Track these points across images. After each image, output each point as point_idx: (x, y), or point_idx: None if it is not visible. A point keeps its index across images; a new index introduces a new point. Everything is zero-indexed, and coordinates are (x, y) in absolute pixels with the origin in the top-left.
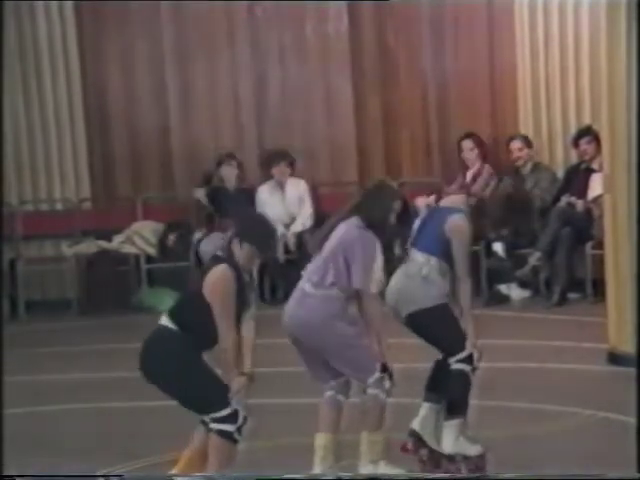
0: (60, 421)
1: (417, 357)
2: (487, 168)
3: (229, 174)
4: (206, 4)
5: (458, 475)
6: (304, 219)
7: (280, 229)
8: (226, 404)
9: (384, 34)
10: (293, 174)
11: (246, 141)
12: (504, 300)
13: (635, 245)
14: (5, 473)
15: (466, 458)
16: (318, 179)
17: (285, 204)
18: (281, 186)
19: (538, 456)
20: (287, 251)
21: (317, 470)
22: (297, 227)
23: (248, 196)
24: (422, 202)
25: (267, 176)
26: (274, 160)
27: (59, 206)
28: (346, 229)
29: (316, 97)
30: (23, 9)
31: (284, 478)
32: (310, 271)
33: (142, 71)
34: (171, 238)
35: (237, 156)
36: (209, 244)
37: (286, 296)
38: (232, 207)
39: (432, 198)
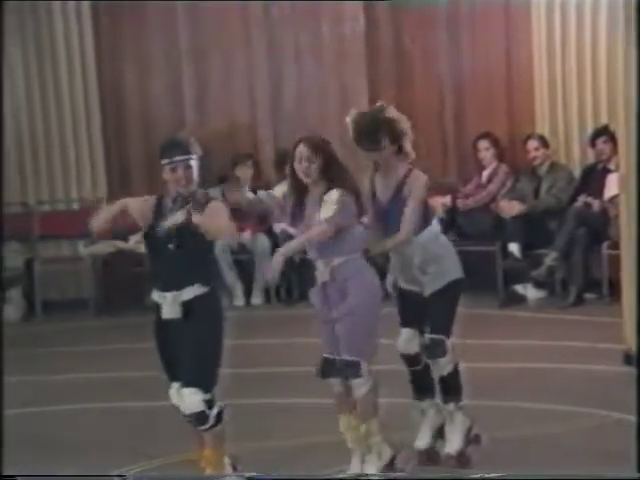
0: (76, 421)
1: None
2: (503, 168)
3: (245, 174)
4: (222, 4)
5: (458, 475)
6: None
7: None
8: None
9: (400, 34)
10: None
11: (262, 141)
12: (520, 300)
13: (635, 245)
14: (5, 473)
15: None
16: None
17: None
18: None
19: (552, 456)
20: (302, 251)
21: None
22: None
23: None
24: (437, 202)
25: (282, 176)
26: (289, 159)
27: (76, 206)
28: None
29: (332, 97)
30: (41, 8)
31: (282, 478)
32: None
33: (158, 70)
34: None
35: (253, 156)
36: (224, 244)
37: (301, 296)
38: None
39: (448, 198)
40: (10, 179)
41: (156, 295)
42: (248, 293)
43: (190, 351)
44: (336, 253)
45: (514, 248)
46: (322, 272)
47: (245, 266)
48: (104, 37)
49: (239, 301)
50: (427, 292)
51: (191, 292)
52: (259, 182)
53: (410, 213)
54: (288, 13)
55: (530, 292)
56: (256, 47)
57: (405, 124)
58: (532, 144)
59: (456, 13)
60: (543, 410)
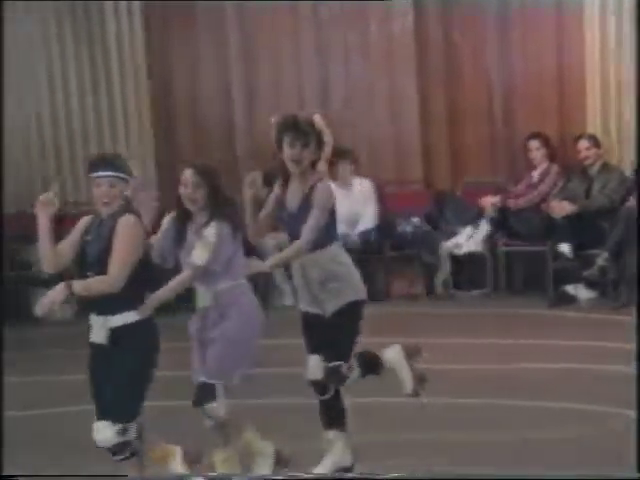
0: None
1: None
2: (555, 168)
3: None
4: (271, 4)
5: (458, 475)
6: (369, 218)
7: (344, 228)
8: None
9: (450, 32)
10: (357, 173)
11: None
12: (571, 301)
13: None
14: (5, 473)
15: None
16: (382, 178)
17: (350, 203)
18: (345, 185)
19: (604, 457)
20: (351, 250)
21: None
22: (362, 226)
23: None
24: (487, 201)
25: (330, 175)
26: (338, 158)
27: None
28: None
29: (380, 96)
30: (93, 8)
31: (278, 479)
32: None
33: (208, 70)
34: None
35: None
36: (272, 241)
37: None
38: None
39: (498, 198)
40: (65, 179)
41: (90, 317)
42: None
43: (113, 382)
44: (219, 279)
45: (565, 248)
46: (203, 297)
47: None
48: (155, 37)
49: (288, 300)
50: (327, 313)
51: (120, 319)
52: None
53: (312, 222)
54: (337, 12)
55: (581, 292)
56: (305, 47)
57: (329, 137)
58: (583, 144)
59: (506, 10)
60: (592, 411)
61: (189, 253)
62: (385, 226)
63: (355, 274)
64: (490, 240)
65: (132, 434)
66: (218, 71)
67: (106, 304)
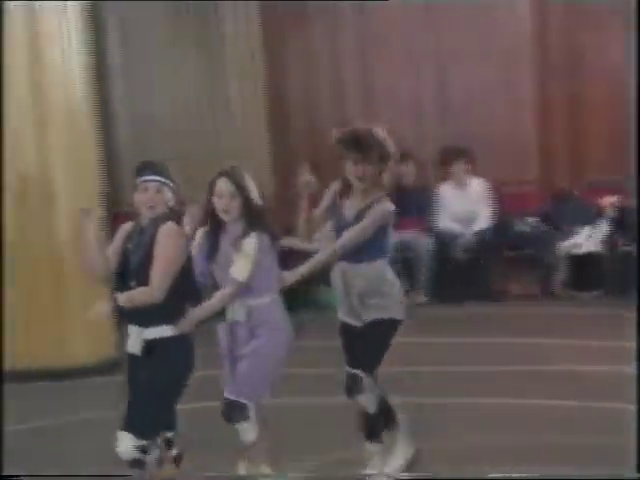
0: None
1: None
2: None
3: (407, 172)
4: (385, 4)
5: (458, 475)
6: (484, 218)
7: (460, 228)
8: None
9: (571, 28)
10: (473, 172)
11: (426, 139)
12: None
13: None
14: (5, 473)
15: None
16: (499, 178)
17: (466, 203)
18: (461, 185)
19: None
20: (467, 250)
21: None
22: (477, 226)
23: (425, 194)
24: (607, 201)
25: (445, 174)
26: (454, 158)
27: None
28: None
29: (498, 94)
30: (209, 9)
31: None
32: None
33: (322, 70)
34: None
35: (415, 154)
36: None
37: (462, 295)
38: (409, 205)
39: (616, 197)
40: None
41: (128, 326)
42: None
43: (136, 393)
44: (254, 294)
45: None
46: (236, 311)
47: (408, 264)
48: (271, 38)
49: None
50: (363, 323)
51: (154, 332)
52: (421, 181)
53: (355, 232)
54: (453, 11)
55: None
56: (421, 46)
57: (392, 148)
58: None
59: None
60: None
61: (224, 265)
62: (501, 226)
63: (398, 293)
64: (609, 240)
65: (152, 454)
66: (333, 70)
67: (143, 315)
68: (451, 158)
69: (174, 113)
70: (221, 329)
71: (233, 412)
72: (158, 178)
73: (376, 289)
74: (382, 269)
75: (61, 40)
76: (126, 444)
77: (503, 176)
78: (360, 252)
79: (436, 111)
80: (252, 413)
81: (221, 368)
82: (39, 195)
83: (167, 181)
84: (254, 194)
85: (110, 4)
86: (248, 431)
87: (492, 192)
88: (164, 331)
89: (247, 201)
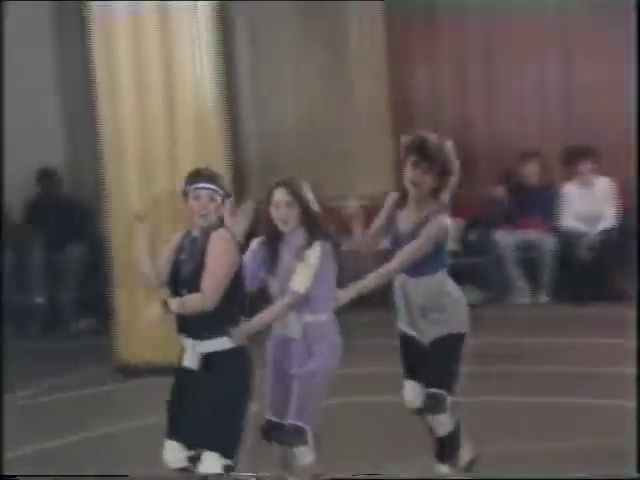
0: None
1: None
2: None
3: (531, 171)
4: (512, 3)
5: (460, 475)
6: (609, 218)
7: (584, 227)
8: None
9: None
10: (598, 172)
11: (551, 138)
12: None
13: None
14: (5, 473)
15: None
16: (623, 178)
17: (591, 202)
18: (586, 184)
19: None
20: (591, 250)
21: None
22: (602, 226)
23: (550, 193)
24: None
25: (570, 173)
26: (579, 158)
27: (365, 201)
28: None
29: (623, 91)
30: (335, 8)
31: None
32: None
33: (447, 71)
34: (472, 234)
35: (540, 152)
36: (508, 240)
37: (585, 295)
38: (533, 204)
39: None
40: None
41: (182, 339)
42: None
43: (211, 412)
44: (312, 309)
45: None
46: (291, 327)
47: (531, 264)
48: (395, 39)
49: (524, 299)
50: (426, 340)
51: (211, 345)
52: (545, 180)
53: (412, 248)
54: (580, 11)
55: None
56: (547, 45)
57: (456, 168)
58: None
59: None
60: None
61: (284, 276)
62: (627, 226)
63: (460, 306)
64: None
65: (232, 475)
66: (457, 72)
67: (198, 327)
68: (577, 158)
69: (300, 112)
70: (271, 343)
71: (293, 437)
72: (211, 186)
73: (436, 303)
74: (442, 282)
75: (191, 39)
76: (213, 464)
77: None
78: (419, 266)
79: (562, 108)
80: (310, 437)
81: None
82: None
83: (219, 189)
84: (313, 203)
85: (239, 4)
86: (306, 455)
87: (618, 192)
88: (221, 344)
89: (306, 210)
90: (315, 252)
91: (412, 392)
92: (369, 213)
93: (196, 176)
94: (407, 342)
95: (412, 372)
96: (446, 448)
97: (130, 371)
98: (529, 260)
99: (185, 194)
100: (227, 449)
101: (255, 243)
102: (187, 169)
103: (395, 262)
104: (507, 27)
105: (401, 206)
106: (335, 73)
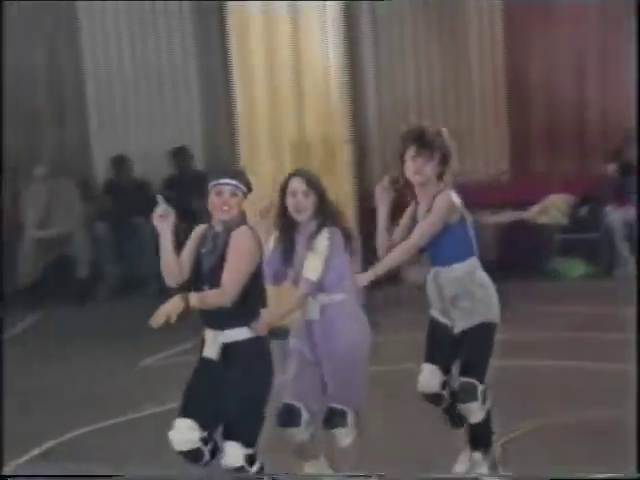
0: None
1: None
2: None
3: (634, 151)
4: None
5: (459, 475)
6: None
7: None
8: None
9: None
10: None
11: None
12: None
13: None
14: (5, 473)
15: None
16: None
17: None
18: None
19: None
20: None
21: None
22: None
23: None
24: None
25: None
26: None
27: (481, 177)
28: None
29: None
30: (453, 2)
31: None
32: None
33: (565, 69)
34: (583, 210)
35: None
36: (619, 217)
37: None
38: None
39: None
40: None
41: (205, 331)
42: None
43: (232, 402)
44: (328, 291)
45: None
46: (311, 310)
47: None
48: (513, 36)
49: (632, 271)
50: (457, 329)
51: (231, 335)
52: None
53: (423, 225)
54: None
55: None
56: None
57: (455, 151)
58: None
59: None
60: None
61: (300, 265)
62: None
63: (491, 295)
64: None
65: (255, 466)
66: (571, 56)
67: (218, 318)
68: None
69: (419, 95)
70: (294, 334)
71: (334, 419)
72: (232, 182)
73: (467, 291)
74: (472, 270)
75: (319, 32)
76: (235, 452)
77: None
78: (447, 253)
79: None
80: (350, 419)
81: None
82: None
83: (241, 185)
84: (327, 193)
85: (363, 3)
86: (346, 437)
87: None
88: (240, 334)
89: (321, 199)
90: (323, 239)
91: (429, 376)
92: (482, 189)
93: (217, 173)
94: (436, 328)
95: (433, 357)
96: (479, 436)
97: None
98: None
99: (208, 190)
100: (248, 438)
101: (271, 241)
102: (315, 151)
103: (410, 242)
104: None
105: (417, 203)
106: (455, 66)
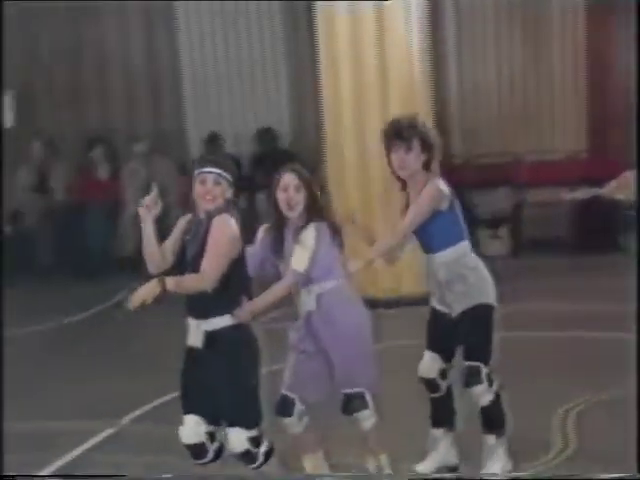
0: (546, 349)
1: None
2: None
3: None
4: None
5: (459, 475)
6: None
7: None
8: None
9: None
10: None
11: None
12: None
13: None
14: (5, 473)
15: None
16: None
17: None
18: None
19: None
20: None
21: None
22: None
23: None
24: None
25: None
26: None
27: (559, 156)
28: None
29: None
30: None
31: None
32: None
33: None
34: None
35: None
36: None
37: None
38: None
39: None
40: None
41: (188, 320)
42: None
43: (223, 388)
44: (321, 281)
45: None
46: (305, 301)
47: None
48: (594, 33)
49: None
50: (454, 313)
51: (214, 323)
52: None
53: (410, 215)
54: None
55: None
56: None
57: (436, 139)
58: None
59: None
60: None
61: (290, 258)
62: None
63: (484, 277)
64: None
65: (263, 447)
66: None
67: (201, 307)
68: None
69: (500, 87)
70: (293, 328)
71: (353, 403)
72: (216, 170)
73: (458, 274)
74: (461, 254)
75: (403, 23)
76: (238, 437)
77: None
78: (438, 239)
79: None
80: (370, 399)
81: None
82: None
83: (226, 174)
84: (317, 188)
85: None
86: (368, 418)
87: None
88: (223, 321)
89: (311, 194)
90: (310, 233)
91: (429, 362)
92: (562, 167)
93: (202, 161)
94: (436, 316)
95: (434, 345)
96: (490, 419)
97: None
98: None
99: (193, 178)
100: (247, 421)
101: (261, 231)
102: None
103: (398, 230)
104: None
105: (408, 194)
106: (534, 52)
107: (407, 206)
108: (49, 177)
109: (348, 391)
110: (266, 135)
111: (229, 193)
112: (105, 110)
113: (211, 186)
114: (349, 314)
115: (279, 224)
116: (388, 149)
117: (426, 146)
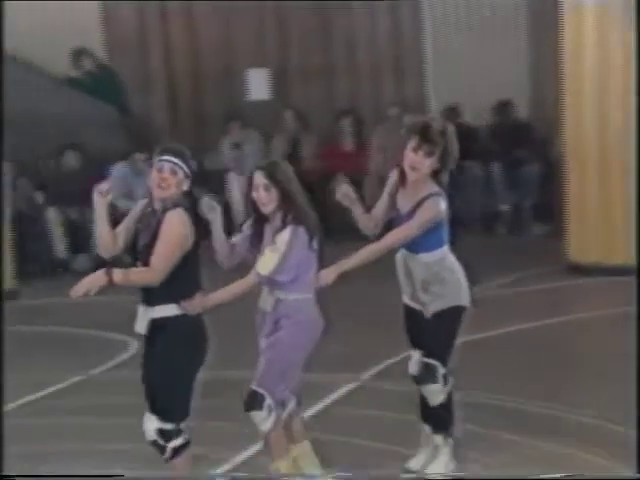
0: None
1: None
2: None
3: None
4: None
5: (459, 475)
6: None
7: None
8: None
9: None
10: None
11: None
12: None
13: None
14: (5, 473)
15: None
16: None
17: None
18: None
19: None
20: None
21: None
22: None
23: None
24: None
25: None
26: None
27: None
28: None
29: None
30: None
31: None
32: None
33: None
34: None
35: None
36: None
37: None
38: None
39: None
40: None
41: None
42: None
43: (153, 375)
44: (284, 288)
45: None
46: (265, 300)
47: None
48: None
49: None
50: (428, 313)
51: (160, 311)
52: None
53: (403, 231)
54: None
55: None
56: None
57: (456, 150)
58: None
59: None
60: None
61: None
62: None
63: (460, 280)
64: None
65: (172, 442)
66: None
67: (149, 293)
68: None
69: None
70: (256, 318)
71: (250, 400)
72: (174, 159)
73: (437, 277)
74: (443, 258)
75: (622, 23)
76: (150, 426)
77: None
78: (420, 243)
79: None
80: (268, 404)
81: None
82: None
83: (183, 165)
84: (294, 187)
85: None
86: (263, 421)
87: None
88: (168, 310)
89: (283, 194)
90: (284, 237)
91: (415, 361)
92: None
93: (163, 150)
94: (410, 315)
95: (414, 342)
96: (439, 419)
97: (579, 270)
98: None
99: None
100: (164, 413)
101: (246, 226)
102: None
103: (383, 243)
104: None
105: (403, 185)
106: None
107: (391, 196)
108: (300, 147)
109: (253, 387)
110: (505, 107)
111: (186, 185)
112: (354, 85)
113: (167, 174)
114: (293, 328)
115: (260, 221)
116: (409, 145)
117: (445, 156)
